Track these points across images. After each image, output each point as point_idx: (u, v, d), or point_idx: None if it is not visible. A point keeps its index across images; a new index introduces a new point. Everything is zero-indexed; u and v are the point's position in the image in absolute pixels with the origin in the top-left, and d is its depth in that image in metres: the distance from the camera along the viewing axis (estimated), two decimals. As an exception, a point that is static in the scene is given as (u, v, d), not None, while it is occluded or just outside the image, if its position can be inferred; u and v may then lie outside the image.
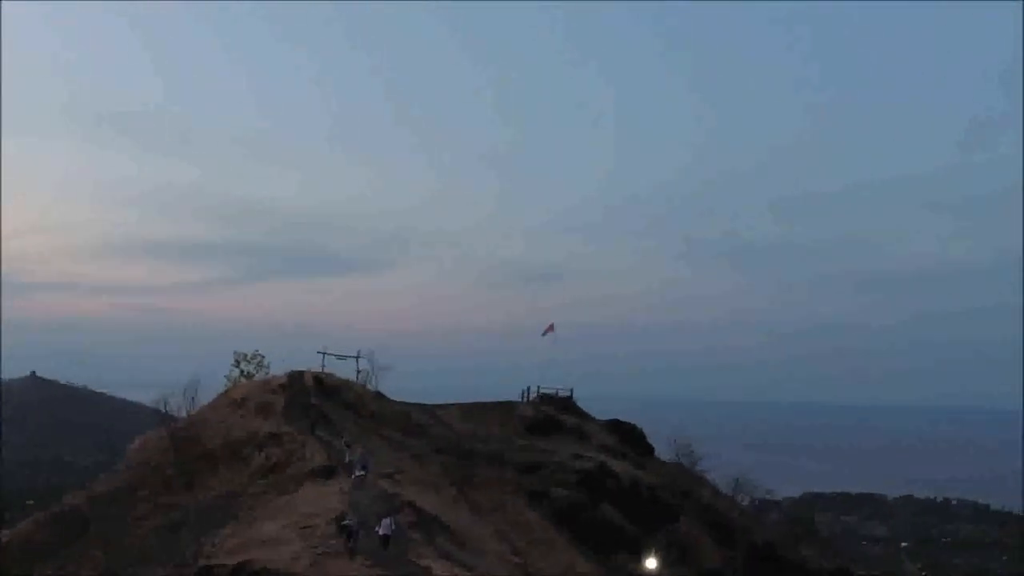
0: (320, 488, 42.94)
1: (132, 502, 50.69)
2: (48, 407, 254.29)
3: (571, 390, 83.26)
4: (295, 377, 64.21)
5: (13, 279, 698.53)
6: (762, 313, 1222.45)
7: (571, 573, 46.20)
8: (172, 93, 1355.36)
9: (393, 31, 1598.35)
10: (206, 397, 64.24)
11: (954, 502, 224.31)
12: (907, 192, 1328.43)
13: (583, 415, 79.97)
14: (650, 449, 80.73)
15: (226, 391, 65.98)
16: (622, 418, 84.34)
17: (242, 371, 71.40)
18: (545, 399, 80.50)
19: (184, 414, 62.36)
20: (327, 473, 45.64)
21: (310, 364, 68.93)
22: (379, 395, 69.20)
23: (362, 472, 42.60)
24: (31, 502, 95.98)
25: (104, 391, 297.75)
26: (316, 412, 57.32)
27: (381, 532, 32.95)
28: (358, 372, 71.88)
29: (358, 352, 72.77)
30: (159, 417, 64.03)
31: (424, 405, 74.06)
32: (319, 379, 65.30)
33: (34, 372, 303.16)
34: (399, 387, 74.06)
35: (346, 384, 67.83)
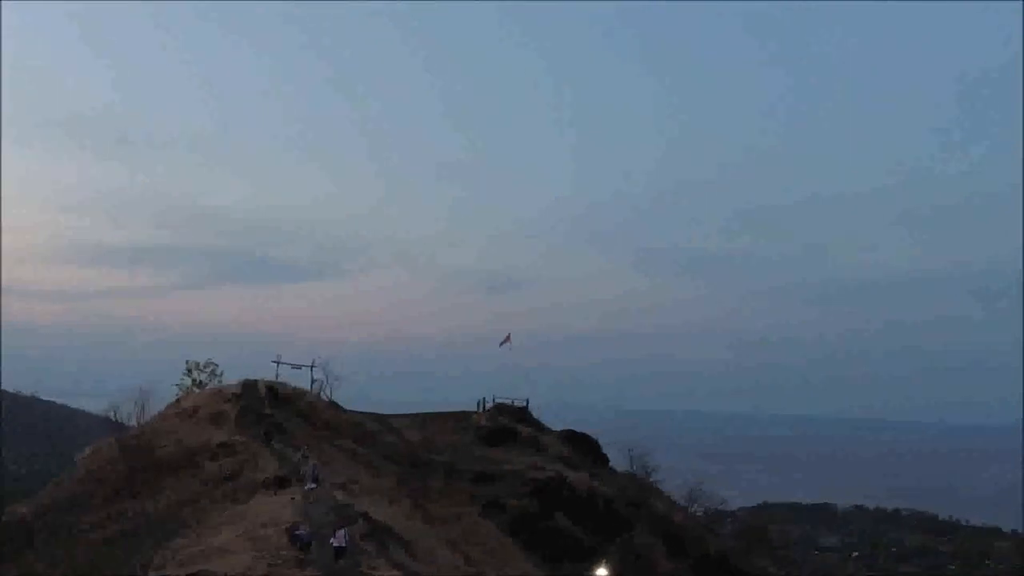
0: (273, 498, 42.52)
1: (80, 512, 49.78)
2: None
3: (527, 400, 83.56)
4: (248, 386, 63.64)
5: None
6: (720, 324, 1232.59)
7: (525, 583, 46.25)
8: (122, 96, 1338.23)
9: (348, 35, 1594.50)
10: (157, 406, 63.60)
11: (903, 512, 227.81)
12: (865, 204, 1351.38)
13: (538, 425, 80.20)
14: (605, 459, 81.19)
15: (178, 400, 65.27)
16: (578, 428, 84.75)
17: (194, 380, 70.66)
18: (501, 409, 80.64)
19: (135, 423, 61.58)
20: (280, 483, 45.22)
21: (264, 373, 68.48)
22: (333, 404, 68.82)
23: (313, 485, 42.31)
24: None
25: (52, 399, 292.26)
26: (270, 422, 56.84)
27: (334, 543, 32.71)
28: (312, 381, 71.49)
29: (312, 361, 72.39)
30: (109, 426, 63.17)
31: (379, 415, 73.78)
32: (273, 388, 64.80)
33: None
34: (354, 396, 73.81)
35: (300, 393, 67.37)
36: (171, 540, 38.02)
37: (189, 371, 71.47)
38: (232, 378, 67.58)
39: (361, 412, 70.93)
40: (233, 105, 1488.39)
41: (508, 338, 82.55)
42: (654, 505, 72.79)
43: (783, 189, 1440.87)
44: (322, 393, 71.28)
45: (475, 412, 79.95)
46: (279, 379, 68.65)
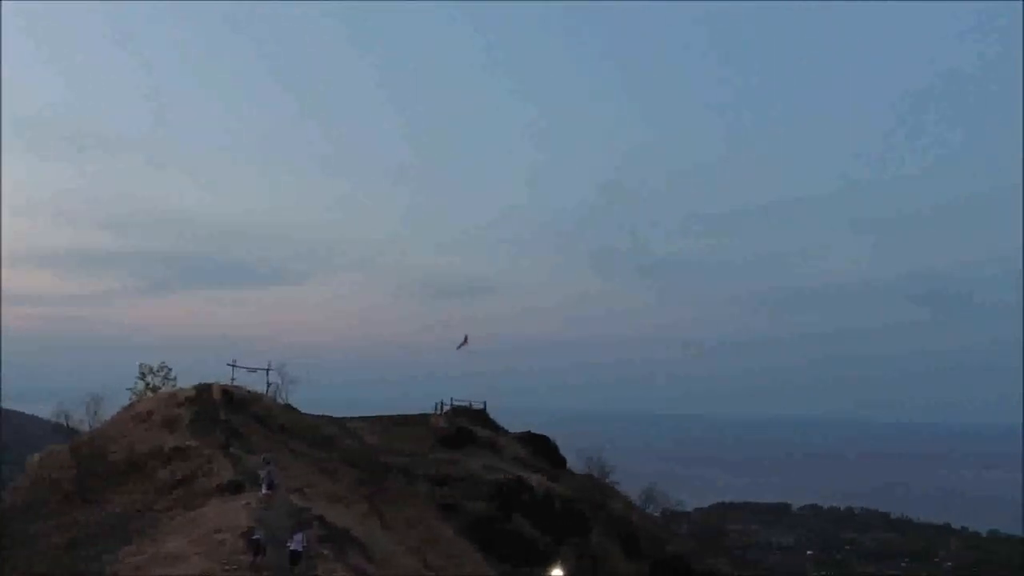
0: (227, 503, 42.13)
1: (30, 519, 48.89)
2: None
3: (484, 403, 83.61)
4: (203, 390, 62.79)
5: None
6: (677, 328, 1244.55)
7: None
8: (74, 98, 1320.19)
9: (303, 39, 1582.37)
10: (110, 410, 62.60)
11: (857, 511, 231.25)
12: (817, 210, 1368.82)
13: (496, 428, 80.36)
14: (563, 461, 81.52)
15: (131, 404, 64.25)
16: (537, 431, 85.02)
17: (148, 384, 69.62)
18: (459, 412, 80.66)
19: (87, 428, 60.61)
20: (235, 488, 44.81)
21: (219, 377, 67.63)
22: (290, 408, 68.22)
23: (269, 491, 41.98)
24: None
25: (1, 404, 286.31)
26: (225, 426, 56.24)
27: (290, 548, 32.52)
28: (268, 385, 70.89)
29: (268, 364, 71.77)
30: (60, 431, 62.08)
31: (336, 418, 73.29)
32: (228, 392, 64.04)
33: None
34: (312, 400, 73.21)
35: (256, 397, 66.66)
36: (123, 547, 37.56)
37: (142, 375, 70.39)
38: (186, 382, 66.70)
39: (318, 415, 70.44)
40: (188, 108, 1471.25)
41: (465, 340, 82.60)
42: (611, 506, 73.22)
43: (736, 195, 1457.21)
44: (278, 397, 70.74)
45: (433, 415, 79.84)
46: (234, 383, 67.92)
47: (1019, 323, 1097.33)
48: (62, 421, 62.33)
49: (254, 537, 33.07)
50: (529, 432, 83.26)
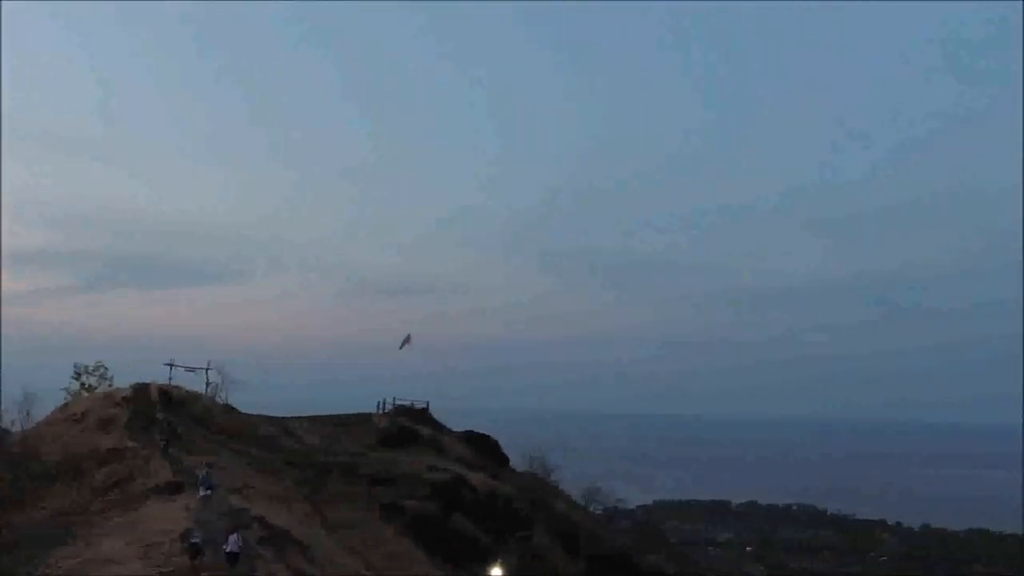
0: (165, 505, 41.64)
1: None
2: None
3: (427, 402, 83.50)
4: (140, 390, 61.94)
5: None
6: (632, 328, 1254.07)
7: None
8: (11, 94, 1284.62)
9: (250, 33, 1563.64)
10: (43, 411, 61.48)
11: (794, 507, 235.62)
12: (773, 211, 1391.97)
13: (439, 427, 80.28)
14: (506, 460, 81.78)
15: (65, 404, 63.12)
16: (481, 431, 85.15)
17: (83, 384, 68.51)
18: (401, 411, 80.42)
19: (19, 429, 59.47)
20: (173, 489, 44.30)
21: (157, 377, 66.80)
22: (229, 408, 67.63)
23: (207, 492, 41.58)
24: None
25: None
26: (163, 426, 55.54)
27: (228, 549, 32.24)
28: (207, 384, 70.19)
29: (208, 364, 71.06)
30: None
31: (277, 418, 72.78)
32: (166, 392, 63.24)
33: None
34: (253, 400, 72.68)
35: (194, 397, 65.94)
36: (56, 550, 36.92)
37: (78, 375, 69.24)
38: (123, 382, 65.75)
39: (259, 416, 69.87)
40: (131, 104, 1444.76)
41: (408, 339, 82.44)
42: (553, 505, 73.74)
43: (696, 196, 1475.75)
44: (217, 396, 70.07)
45: (375, 415, 79.56)
46: (173, 383, 67.09)
47: (974, 322, 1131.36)
48: (-7, 422, 61.01)
49: (192, 539, 32.73)
50: (472, 431, 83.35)
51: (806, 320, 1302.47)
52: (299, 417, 75.75)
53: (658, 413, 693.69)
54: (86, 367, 69.37)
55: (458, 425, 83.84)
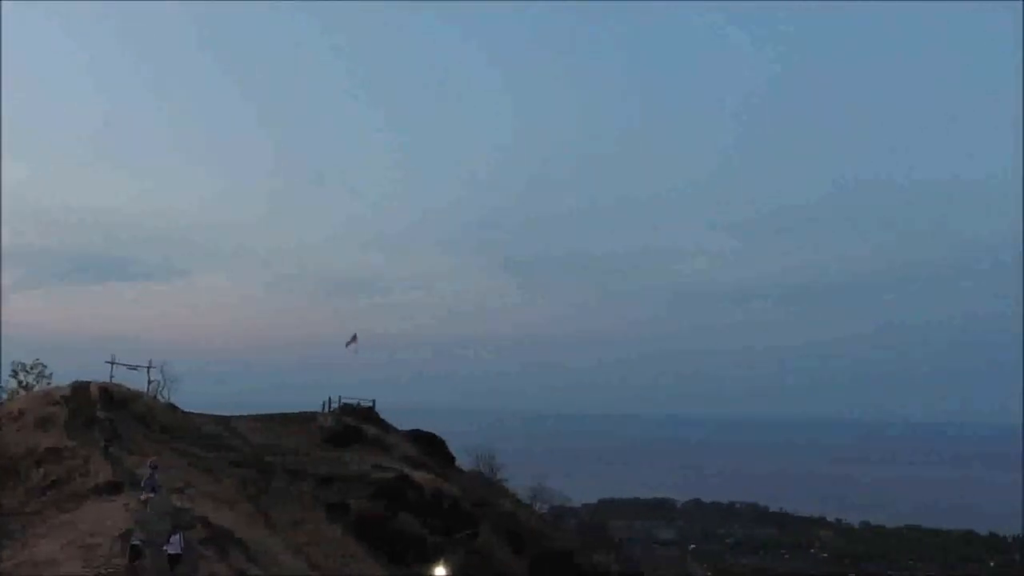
0: (104, 505, 40.98)
1: None
2: None
3: (373, 401, 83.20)
4: (79, 388, 60.84)
5: None
6: (578, 327, 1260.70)
7: (368, 585, 46.24)
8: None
9: (163, 34, 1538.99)
10: (-22, 410, 59.98)
11: (737, 505, 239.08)
12: (687, 207, 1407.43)
13: (385, 426, 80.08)
14: (452, 459, 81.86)
15: (1, 403, 61.85)
16: (428, 429, 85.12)
17: (20, 382, 67.20)
18: (346, 410, 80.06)
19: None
20: (113, 490, 43.61)
21: (97, 374, 65.71)
22: (171, 407, 66.79)
23: (151, 493, 41.01)
24: None
25: None
26: (103, 425, 54.61)
27: (169, 550, 31.86)
28: (149, 383, 69.27)
29: (150, 362, 70.15)
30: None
31: (221, 417, 72.04)
32: (106, 390, 62.22)
33: None
34: (196, 399, 71.93)
35: (136, 395, 64.96)
36: (-8, 552, 36.19)
37: (14, 373, 67.93)
38: (62, 380, 64.58)
39: (202, 414, 69.10)
40: (66, 99, 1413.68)
41: (354, 338, 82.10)
42: (499, 504, 73.96)
43: (629, 187, 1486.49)
44: (160, 395, 69.16)
45: (320, 413, 79.07)
46: (114, 381, 66.05)
47: (896, 313, 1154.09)
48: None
49: (133, 540, 32.27)
50: (418, 430, 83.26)
51: (728, 316, 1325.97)
52: (243, 416, 75.02)
53: (609, 413, 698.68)
54: (23, 364, 68.07)
55: (400, 422, 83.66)
